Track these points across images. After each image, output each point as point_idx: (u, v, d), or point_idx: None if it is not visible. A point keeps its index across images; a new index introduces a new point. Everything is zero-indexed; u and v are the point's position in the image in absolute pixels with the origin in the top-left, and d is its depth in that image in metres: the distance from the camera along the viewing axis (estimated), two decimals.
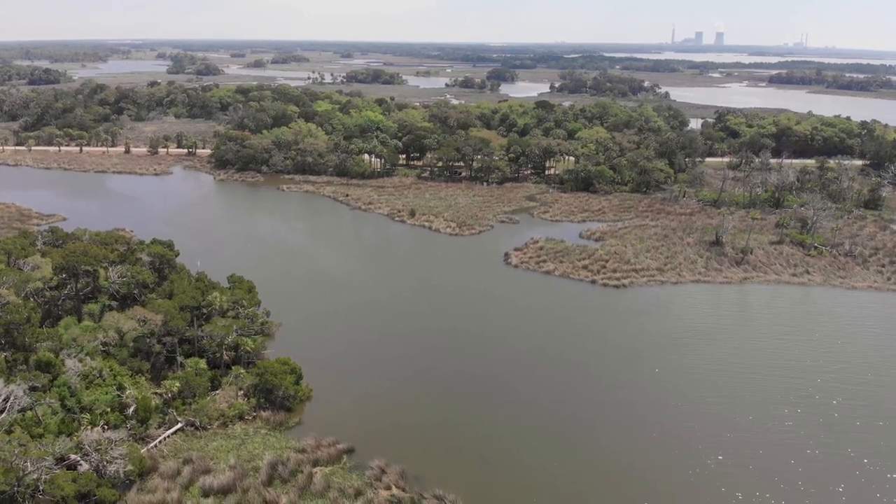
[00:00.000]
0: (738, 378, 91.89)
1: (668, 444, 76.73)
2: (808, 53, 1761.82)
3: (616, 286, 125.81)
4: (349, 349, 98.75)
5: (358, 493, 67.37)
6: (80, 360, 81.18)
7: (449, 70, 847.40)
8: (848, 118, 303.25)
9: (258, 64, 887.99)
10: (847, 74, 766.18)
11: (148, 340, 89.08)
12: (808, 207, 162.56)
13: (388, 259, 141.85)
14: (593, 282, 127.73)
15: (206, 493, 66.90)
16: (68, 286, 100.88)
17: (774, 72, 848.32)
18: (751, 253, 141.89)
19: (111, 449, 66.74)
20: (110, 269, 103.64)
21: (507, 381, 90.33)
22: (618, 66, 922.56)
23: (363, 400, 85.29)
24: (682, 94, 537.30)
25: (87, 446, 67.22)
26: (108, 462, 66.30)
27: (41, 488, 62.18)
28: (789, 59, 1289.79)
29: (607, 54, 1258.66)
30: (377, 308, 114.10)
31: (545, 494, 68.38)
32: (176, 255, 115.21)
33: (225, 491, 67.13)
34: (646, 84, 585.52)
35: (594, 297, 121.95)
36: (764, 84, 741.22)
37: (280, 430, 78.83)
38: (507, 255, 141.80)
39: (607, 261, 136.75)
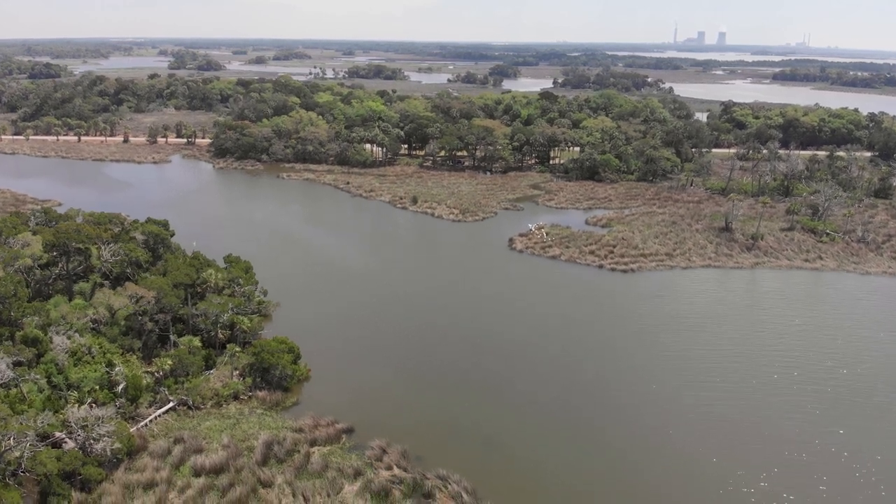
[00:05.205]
0: (747, 362, 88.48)
1: (672, 432, 73.35)
2: (811, 53, 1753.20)
3: (624, 271, 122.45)
4: (349, 331, 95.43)
5: (357, 473, 64.06)
6: (69, 337, 77.90)
7: (451, 67, 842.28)
8: (856, 110, 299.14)
9: (259, 60, 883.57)
10: (851, 72, 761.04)
11: (140, 318, 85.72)
12: (819, 195, 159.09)
13: (389, 243, 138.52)
14: (600, 266, 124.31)
15: (197, 473, 63.65)
16: (59, 265, 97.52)
17: (778, 69, 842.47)
18: (761, 239, 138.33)
19: (98, 426, 63.34)
20: (103, 248, 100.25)
21: (511, 363, 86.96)
22: (620, 64, 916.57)
23: (363, 381, 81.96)
24: (685, 90, 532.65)
25: (72, 423, 63.84)
26: (94, 440, 62.99)
27: (23, 465, 58.93)
28: (792, 57, 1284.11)
29: (610, 52, 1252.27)
30: (377, 291, 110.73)
31: (549, 476, 65.02)
32: (171, 235, 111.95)
33: (217, 470, 63.91)
34: (649, 80, 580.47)
35: (602, 281, 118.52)
36: (768, 81, 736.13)
37: (276, 410, 75.66)
38: (511, 240, 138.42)
39: (615, 246, 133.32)
